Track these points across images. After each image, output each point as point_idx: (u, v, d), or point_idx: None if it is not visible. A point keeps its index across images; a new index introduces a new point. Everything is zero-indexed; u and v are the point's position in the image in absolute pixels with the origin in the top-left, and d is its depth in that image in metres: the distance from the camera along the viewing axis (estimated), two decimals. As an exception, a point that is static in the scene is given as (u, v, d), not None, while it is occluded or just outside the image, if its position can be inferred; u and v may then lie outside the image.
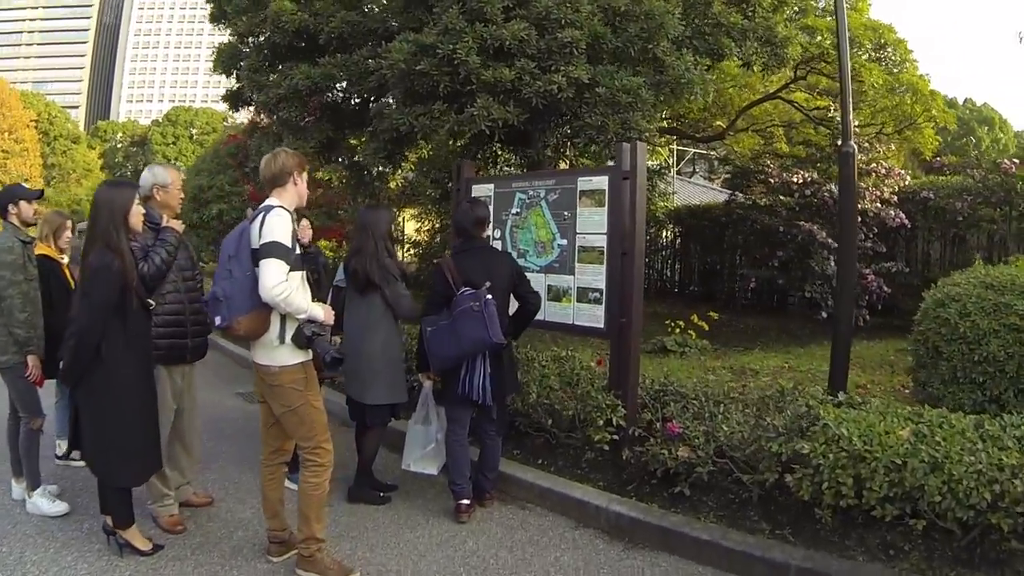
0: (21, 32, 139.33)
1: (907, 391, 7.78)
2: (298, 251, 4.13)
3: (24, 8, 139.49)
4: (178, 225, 4.77)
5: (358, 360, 5.27)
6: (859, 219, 11.87)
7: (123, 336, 4.11)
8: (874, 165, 13.01)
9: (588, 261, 5.77)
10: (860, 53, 15.24)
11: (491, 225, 6.40)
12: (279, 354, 4.06)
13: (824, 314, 11.64)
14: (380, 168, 11.16)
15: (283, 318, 4.04)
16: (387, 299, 5.24)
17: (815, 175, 13.04)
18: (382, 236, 5.29)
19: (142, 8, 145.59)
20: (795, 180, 12.90)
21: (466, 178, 7.07)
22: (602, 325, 5.70)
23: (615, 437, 5.40)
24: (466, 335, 4.76)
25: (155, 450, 4.44)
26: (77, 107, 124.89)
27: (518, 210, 6.40)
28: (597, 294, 5.70)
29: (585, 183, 5.86)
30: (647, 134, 7.27)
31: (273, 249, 3.89)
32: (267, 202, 4.11)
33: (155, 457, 4.44)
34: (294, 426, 4.19)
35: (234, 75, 11.60)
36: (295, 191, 4.22)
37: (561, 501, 5.27)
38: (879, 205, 12.26)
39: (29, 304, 4.96)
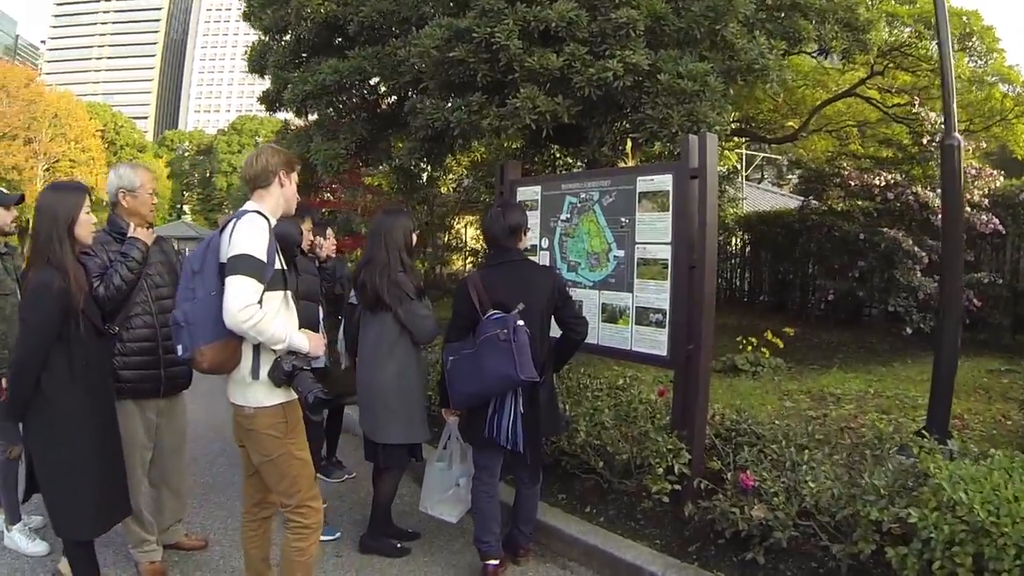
0: (91, 47, 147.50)
1: (1009, 423, 7.23)
2: (279, 266, 3.47)
3: (95, 23, 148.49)
4: (147, 235, 4.13)
5: (369, 391, 4.62)
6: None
7: (68, 367, 3.51)
8: (964, 166, 11.68)
9: (649, 276, 5.00)
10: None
11: (538, 233, 5.83)
12: (254, 392, 3.40)
13: (909, 330, 10.95)
14: (422, 169, 10.46)
15: (257, 349, 3.37)
16: (401, 320, 4.54)
17: (898, 177, 12.28)
18: (397, 246, 4.61)
19: (208, 22, 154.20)
20: (877, 183, 12.09)
21: (510, 180, 6.34)
22: (665, 353, 4.90)
23: (677, 487, 4.59)
24: (490, 369, 4.00)
25: (118, 496, 3.83)
26: (146, 118, 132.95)
27: (568, 216, 5.65)
28: (659, 315, 4.92)
29: (646, 183, 5.05)
30: (716, 128, 6.27)
31: (241, 264, 3.22)
32: (245, 206, 3.48)
33: (118, 504, 3.83)
34: (273, 479, 3.55)
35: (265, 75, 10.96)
36: (280, 194, 3.57)
37: (610, 563, 4.51)
38: (968, 209, 11.22)
39: (3, 322, 4.42)
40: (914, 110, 13.32)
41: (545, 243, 5.84)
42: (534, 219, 5.82)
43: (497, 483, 4.46)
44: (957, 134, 5.48)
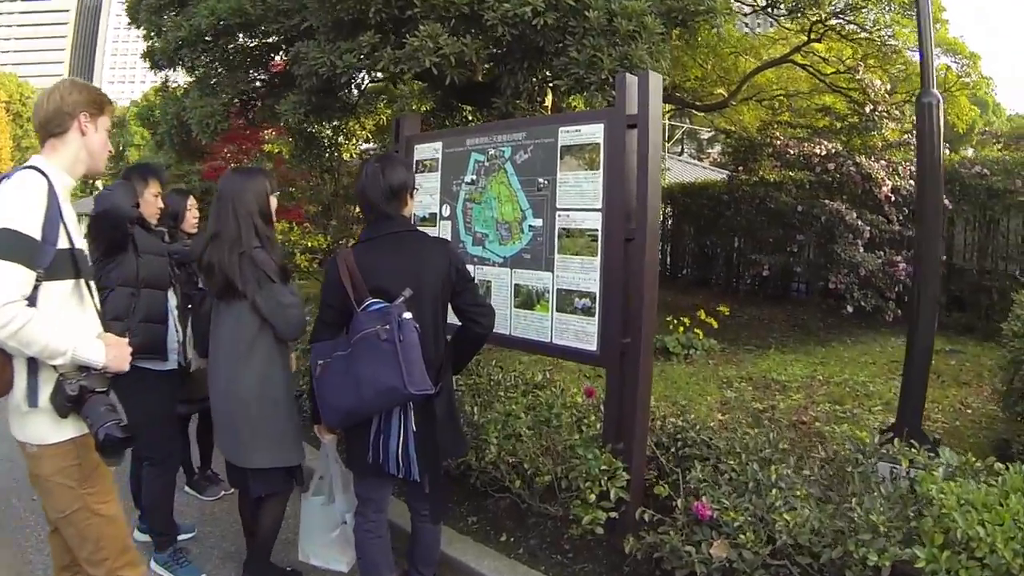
0: (11, 12, 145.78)
1: (970, 411, 7.08)
2: (67, 244, 2.53)
3: None
4: None
5: (226, 402, 3.64)
6: (888, 199, 11.38)
7: None
8: (907, 136, 12.23)
9: (574, 251, 4.10)
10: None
11: (438, 200, 5.01)
12: (35, 425, 2.53)
13: (850, 308, 10.64)
14: (322, 133, 9.34)
15: (33, 364, 2.44)
16: (261, 310, 3.52)
17: (838, 147, 12.13)
18: (250, 213, 3.63)
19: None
20: (817, 151, 11.91)
21: (407, 136, 5.40)
22: (594, 348, 4.03)
23: (613, 515, 3.66)
24: (369, 379, 3.05)
25: None
26: None
27: (473, 177, 4.76)
28: (587, 300, 4.05)
29: (570, 135, 4.15)
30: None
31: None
32: (29, 162, 2.56)
33: None
34: (73, 541, 2.67)
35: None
36: (80, 145, 2.67)
37: (534, 611, 3.52)
38: (912, 183, 11.11)
39: None
40: (858, 76, 13.19)
41: (447, 211, 4.97)
42: (433, 182, 5.06)
43: (385, 519, 3.55)
44: (935, 91, 4.79)
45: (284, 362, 3.74)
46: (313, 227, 14.12)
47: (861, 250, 10.77)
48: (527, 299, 4.36)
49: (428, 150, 5.17)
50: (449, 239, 4.62)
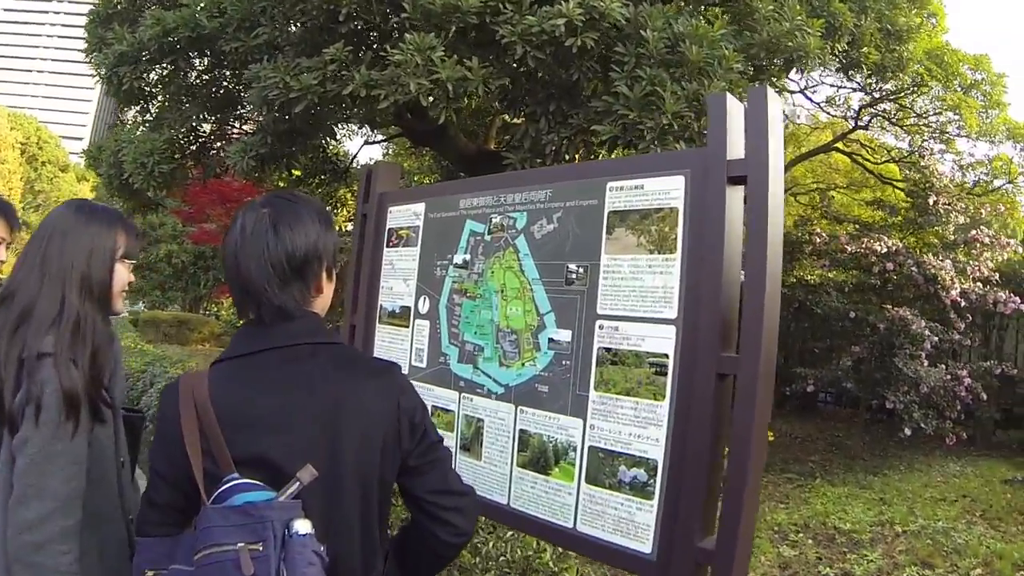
0: (34, 59, 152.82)
1: None
2: None
3: (39, 35, 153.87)
4: None
5: None
6: (956, 304, 10.66)
7: None
8: (975, 232, 11.39)
9: (624, 388, 2.64)
10: (953, 85, 12.73)
11: (413, 288, 3.66)
12: None
13: (907, 430, 9.72)
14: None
15: None
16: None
17: (898, 244, 11.25)
18: (66, 277, 2.41)
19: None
20: (877, 249, 10.83)
21: (380, 193, 3.98)
22: (648, 549, 2.55)
23: None
24: None
25: None
26: (80, 139, 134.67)
27: (466, 257, 3.37)
28: (642, 471, 2.58)
29: (626, 194, 2.76)
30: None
31: None
32: None
33: None
34: None
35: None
36: None
37: None
38: (981, 286, 10.66)
39: None
40: (923, 161, 12.68)
41: (425, 305, 3.57)
42: (410, 261, 3.71)
43: None
44: None
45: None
46: None
47: (925, 364, 9.99)
48: (539, 456, 2.90)
49: (406, 214, 3.79)
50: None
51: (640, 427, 2.54)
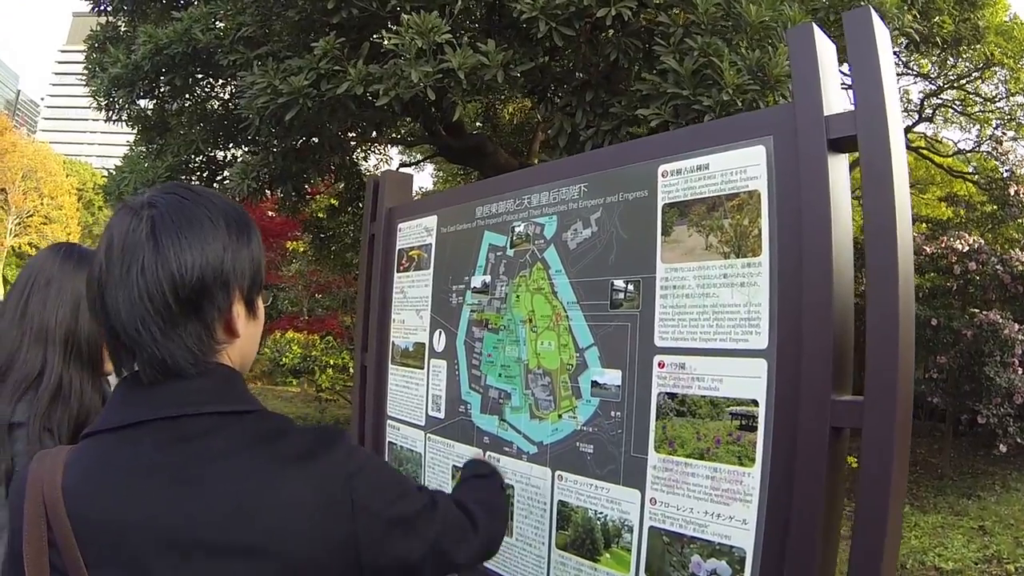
0: (88, 107, 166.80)
1: None
2: None
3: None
4: None
5: None
6: None
7: None
8: None
9: (696, 449, 1.94)
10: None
11: (427, 320, 3.08)
12: None
13: (1003, 447, 9.07)
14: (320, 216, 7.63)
15: None
16: None
17: (979, 240, 10.61)
18: (48, 334, 2.13)
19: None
20: (957, 247, 10.17)
21: (388, 208, 3.45)
22: None
23: None
24: None
25: None
26: None
27: (486, 279, 2.77)
28: (724, 563, 1.86)
29: (685, 178, 2.07)
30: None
31: None
32: None
33: None
34: None
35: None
36: None
37: None
38: None
39: None
40: (1001, 148, 12.42)
41: (440, 341, 2.98)
42: (423, 288, 3.12)
43: None
44: None
45: None
46: (341, 342, 12.61)
47: (1019, 371, 9.35)
48: (584, 537, 2.27)
49: (416, 231, 3.22)
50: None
51: (720, 503, 1.90)
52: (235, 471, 1.23)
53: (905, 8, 5.84)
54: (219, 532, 1.17)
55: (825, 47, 1.79)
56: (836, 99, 1.78)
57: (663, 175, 2.09)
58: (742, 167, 1.89)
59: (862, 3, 4.42)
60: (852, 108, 1.68)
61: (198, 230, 1.29)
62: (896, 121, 1.65)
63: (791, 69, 1.85)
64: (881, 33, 1.69)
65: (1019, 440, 8.97)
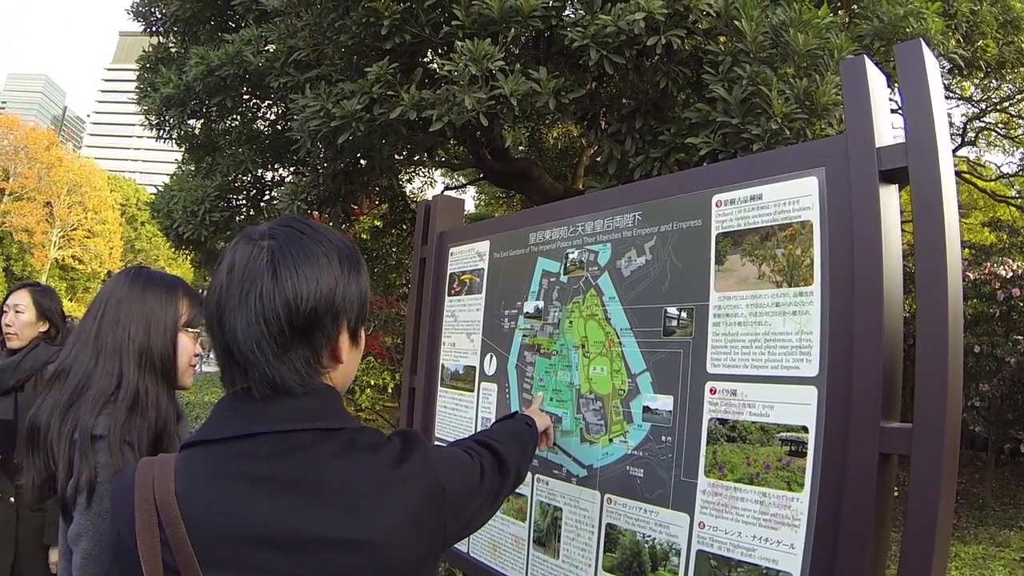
0: (133, 124, 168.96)
1: None
2: None
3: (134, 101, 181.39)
4: None
5: None
6: None
7: None
8: None
9: (746, 474, 2.01)
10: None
11: (478, 344, 3.17)
12: None
13: None
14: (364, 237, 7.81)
15: None
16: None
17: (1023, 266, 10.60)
18: (122, 352, 2.24)
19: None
20: (1001, 273, 10.05)
21: (439, 233, 3.54)
22: None
23: None
24: None
25: None
26: None
27: (539, 304, 2.85)
28: None
29: (738, 208, 2.16)
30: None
31: None
32: None
33: None
34: None
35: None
36: None
37: None
38: None
39: None
40: None
41: (492, 365, 3.06)
42: (474, 312, 3.23)
43: None
44: None
45: None
46: (382, 362, 12.76)
47: None
48: (631, 560, 2.33)
49: (468, 255, 3.32)
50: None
51: (769, 527, 1.96)
52: (347, 474, 1.37)
53: (950, 33, 5.85)
54: (335, 529, 1.31)
55: (876, 79, 1.86)
56: (887, 131, 1.85)
57: (717, 204, 2.17)
58: (795, 198, 1.96)
59: (907, 30, 4.41)
60: (903, 140, 1.74)
61: (314, 263, 1.41)
62: (946, 152, 1.72)
63: (844, 101, 1.92)
64: (932, 65, 1.76)
65: (1059, 471, 8.94)
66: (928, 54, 1.79)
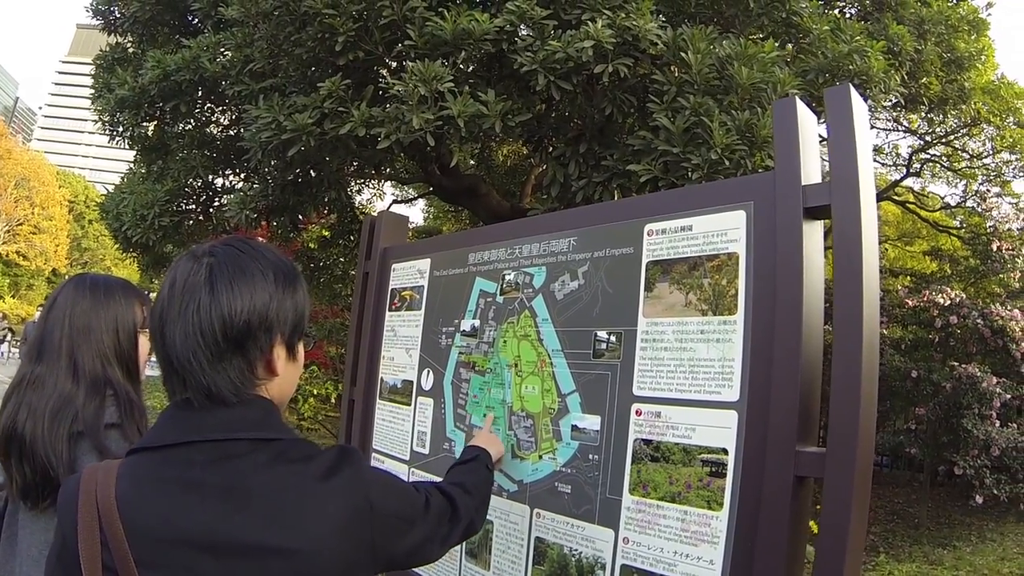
0: (86, 120, 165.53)
1: None
2: None
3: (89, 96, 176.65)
4: None
5: None
6: (1023, 356, 10.11)
7: None
8: None
9: (668, 492, 2.09)
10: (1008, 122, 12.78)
11: (415, 359, 3.21)
12: None
13: (979, 498, 9.18)
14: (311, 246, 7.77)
15: None
16: None
17: (961, 295, 10.76)
18: (98, 354, 2.27)
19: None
20: (939, 301, 10.33)
21: (383, 248, 3.59)
22: None
23: None
24: None
25: None
26: None
27: (475, 323, 2.92)
28: None
29: (669, 239, 2.24)
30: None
31: None
32: None
33: None
34: None
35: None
36: None
37: None
38: None
39: None
40: (984, 204, 12.34)
41: (428, 380, 3.09)
42: (413, 328, 3.27)
43: None
44: None
45: None
46: (326, 372, 12.66)
47: (996, 424, 9.43)
48: (559, 572, 2.39)
49: (410, 272, 3.37)
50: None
51: (689, 544, 2.02)
52: (277, 484, 1.42)
53: (892, 71, 6.01)
54: (262, 535, 1.37)
55: (806, 119, 1.93)
56: (814, 169, 1.91)
57: (649, 233, 2.22)
58: (723, 230, 2.02)
59: (851, 67, 4.53)
60: (828, 180, 1.81)
61: (249, 279, 1.49)
62: (869, 193, 1.79)
63: (774, 139, 1.97)
64: (859, 108, 1.83)
65: (995, 491, 8.99)
66: (856, 98, 1.85)
